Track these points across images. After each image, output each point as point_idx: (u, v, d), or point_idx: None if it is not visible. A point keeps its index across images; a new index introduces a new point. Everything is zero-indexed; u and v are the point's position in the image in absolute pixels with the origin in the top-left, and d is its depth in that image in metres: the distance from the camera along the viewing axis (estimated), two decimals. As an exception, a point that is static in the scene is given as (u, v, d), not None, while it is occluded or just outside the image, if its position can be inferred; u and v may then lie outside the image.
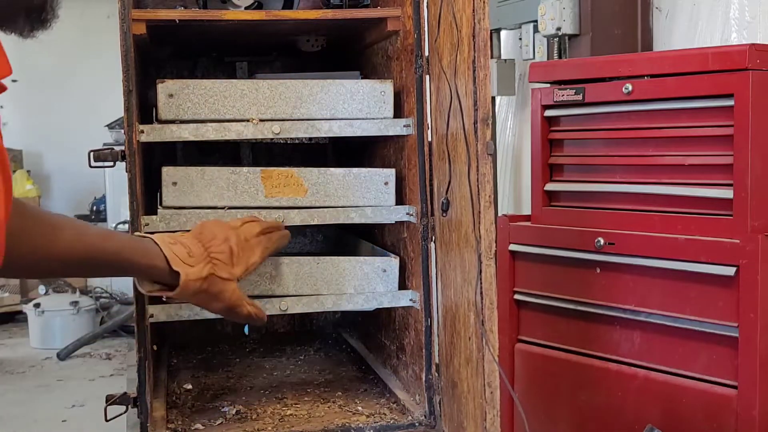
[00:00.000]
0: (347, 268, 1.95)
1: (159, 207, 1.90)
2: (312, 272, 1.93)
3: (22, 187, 7.30)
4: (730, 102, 1.95)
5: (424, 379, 1.93)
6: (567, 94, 2.28)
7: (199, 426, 1.90)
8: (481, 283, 1.60)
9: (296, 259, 1.94)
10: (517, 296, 2.43)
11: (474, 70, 1.61)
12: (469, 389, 1.72)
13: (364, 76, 2.28)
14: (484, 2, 1.59)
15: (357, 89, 1.96)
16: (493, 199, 1.63)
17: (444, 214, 1.80)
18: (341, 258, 1.96)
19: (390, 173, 1.99)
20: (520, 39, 3.22)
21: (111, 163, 1.87)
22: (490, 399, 1.61)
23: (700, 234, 2.01)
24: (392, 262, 1.97)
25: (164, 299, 1.66)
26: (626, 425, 2.15)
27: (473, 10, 1.60)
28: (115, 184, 6.49)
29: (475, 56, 1.60)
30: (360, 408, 2.01)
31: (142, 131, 1.81)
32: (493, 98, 3.43)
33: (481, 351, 1.61)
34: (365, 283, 1.95)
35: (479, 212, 1.62)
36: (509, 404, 2.22)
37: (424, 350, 1.93)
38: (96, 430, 2.45)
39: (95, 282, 6.56)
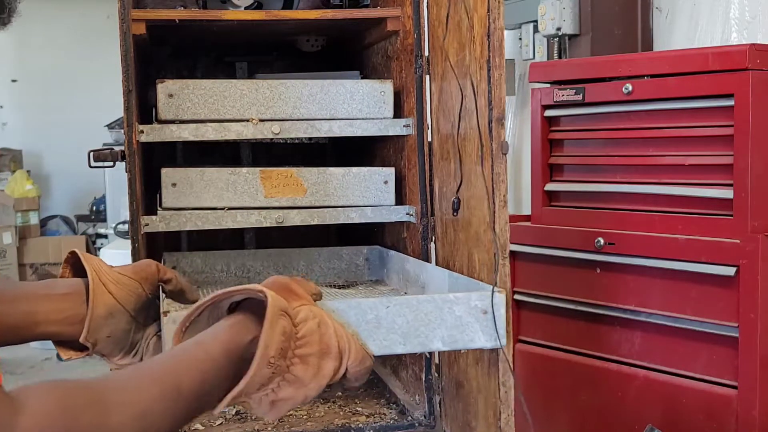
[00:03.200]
0: (431, 312, 1.36)
1: (159, 208, 1.90)
2: (380, 321, 1.33)
3: (22, 187, 7.30)
4: (730, 102, 1.95)
5: (423, 379, 1.93)
6: (567, 94, 2.28)
7: (198, 426, 1.90)
8: (496, 283, 1.59)
9: (356, 302, 1.32)
10: (517, 296, 2.43)
11: (488, 70, 1.61)
12: (479, 389, 1.72)
13: (364, 76, 2.28)
14: (499, 2, 1.58)
15: (357, 89, 1.96)
16: (507, 199, 1.62)
17: (455, 214, 1.80)
18: (421, 298, 1.39)
19: (389, 172, 1.99)
20: (520, 39, 3.23)
21: (111, 163, 1.87)
22: (505, 398, 1.60)
23: (700, 234, 2.00)
24: (498, 298, 1.41)
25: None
26: (626, 425, 2.15)
27: (488, 10, 1.60)
28: (115, 184, 6.49)
29: (489, 56, 1.60)
30: (360, 408, 2.00)
31: (142, 131, 1.81)
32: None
33: (494, 351, 1.60)
34: (457, 333, 1.38)
35: (494, 212, 1.61)
36: (509, 404, 2.22)
37: (424, 350, 1.92)
38: (96, 430, 2.43)
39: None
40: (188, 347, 1.03)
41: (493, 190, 1.60)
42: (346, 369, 1.11)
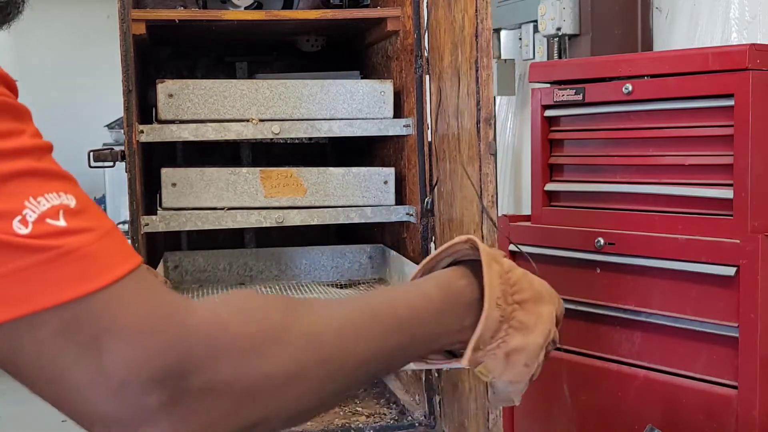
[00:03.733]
0: None
1: (159, 208, 1.90)
2: None
3: (22, 187, 7.30)
4: (730, 102, 1.95)
5: (424, 379, 1.93)
6: (567, 94, 2.28)
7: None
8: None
9: None
10: (517, 296, 2.43)
11: (477, 70, 1.61)
12: (470, 390, 1.72)
13: (364, 76, 2.28)
14: (486, 2, 1.59)
15: (357, 89, 1.96)
16: (495, 199, 1.63)
17: (430, 214, 1.80)
18: None
19: (389, 172, 1.99)
20: (520, 39, 3.22)
21: (111, 163, 1.87)
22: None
23: (700, 234, 2.00)
24: None
25: None
26: (626, 425, 2.15)
27: (476, 10, 1.60)
28: (115, 184, 6.49)
29: (477, 56, 1.60)
30: (360, 408, 2.00)
31: (142, 131, 1.81)
32: (494, 98, 3.43)
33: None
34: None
35: (482, 212, 1.62)
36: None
37: (424, 350, 1.92)
38: (96, 430, 2.43)
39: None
40: (398, 286, 0.97)
41: (481, 191, 1.61)
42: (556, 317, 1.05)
